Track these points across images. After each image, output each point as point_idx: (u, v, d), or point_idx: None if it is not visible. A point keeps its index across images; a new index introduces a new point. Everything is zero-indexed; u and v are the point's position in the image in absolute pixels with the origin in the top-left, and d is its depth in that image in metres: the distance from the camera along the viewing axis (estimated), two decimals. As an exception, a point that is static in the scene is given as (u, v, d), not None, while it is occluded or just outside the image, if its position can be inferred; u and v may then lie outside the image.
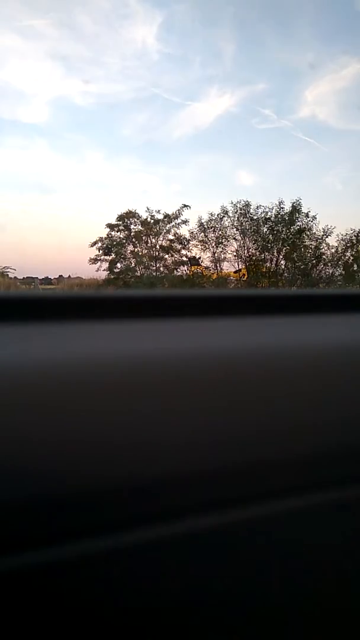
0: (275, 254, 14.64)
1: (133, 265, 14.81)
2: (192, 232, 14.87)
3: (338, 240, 14.34)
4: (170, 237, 14.84)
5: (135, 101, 19.48)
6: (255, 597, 0.36)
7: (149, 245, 14.88)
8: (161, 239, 14.86)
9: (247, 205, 14.60)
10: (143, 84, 20.11)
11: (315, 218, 14.45)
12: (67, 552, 0.31)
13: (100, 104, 19.31)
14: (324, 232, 14.46)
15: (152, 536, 0.33)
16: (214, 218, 14.81)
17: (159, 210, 14.77)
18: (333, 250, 14.42)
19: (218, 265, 15.09)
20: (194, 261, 15.01)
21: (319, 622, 0.39)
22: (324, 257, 14.43)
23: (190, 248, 14.94)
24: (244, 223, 14.63)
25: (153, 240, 14.85)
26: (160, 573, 0.33)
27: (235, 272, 15.06)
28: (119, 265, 14.84)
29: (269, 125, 19.55)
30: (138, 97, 19.96)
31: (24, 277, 15.97)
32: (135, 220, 14.84)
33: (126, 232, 14.85)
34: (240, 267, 14.88)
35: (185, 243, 14.86)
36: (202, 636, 0.35)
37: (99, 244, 14.77)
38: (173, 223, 14.74)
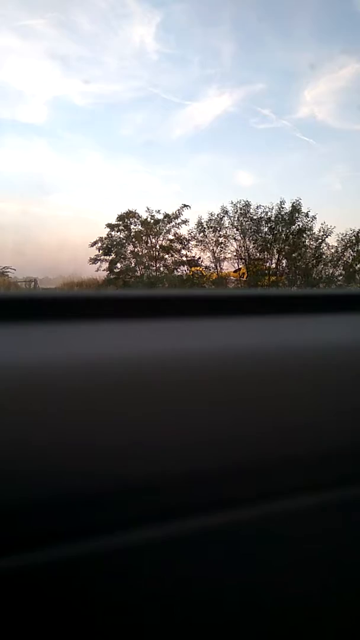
0: (275, 253, 14.66)
1: (133, 265, 14.81)
2: (191, 232, 14.89)
3: (338, 240, 14.37)
4: (170, 237, 14.86)
5: (134, 101, 19.49)
6: (256, 597, 0.36)
7: (149, 245, 14.89)
8: (161, 239, 14.86)
9: (247, 205, 14.62)
10: (142, 84, 20.13)
11: (315, 218, 14.48)
12: (67, 552, 0.31)
13: (99, 103, 19.35)
14: (324, 232, 14.49)
15: (152, 536, 0.33)
16: (213, 218, 14.83)
17: (159, 210, 14.78)
18: (333, 250, 14.45)
19: (218, 265, 15.11)
20: (194, 262, 15.02)
21: (320, 621, 0.39)
22: (324, 257, 14.44)
23: (190, 248, 14.97)
24: (243, 223, 14.64)
25: (153, 240, 14.86)
26: (161, 573, 0.33)
27: (235, 271, 15.07)
28: (119, 265, 14.84)
29: (267, 125, 19.56)
30: (137, 97, 19.99)
31: (24, 277, 15.95)
32: (135, 220, 14.84)
33: (126, 232, 14.85)
34: (240, 266, 14.90)
35: (185, 243, 14.87)
36: (203, 636, 0.35)
37: (99, 244, 14.78)
38: (173, 223, 14.75)
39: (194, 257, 15.02)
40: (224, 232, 14.76)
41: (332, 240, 15.37)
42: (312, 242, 14.53)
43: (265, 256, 14.66)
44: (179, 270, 15.00)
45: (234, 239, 14.87)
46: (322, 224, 14.51)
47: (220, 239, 14.78)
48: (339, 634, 0.40)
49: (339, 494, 0.39)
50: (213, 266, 15.09)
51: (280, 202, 14.34)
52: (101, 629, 0.32)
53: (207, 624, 0.35)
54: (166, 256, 14.86)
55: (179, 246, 14.83)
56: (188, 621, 0.34)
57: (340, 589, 0.40)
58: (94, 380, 0.33)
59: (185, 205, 14.67)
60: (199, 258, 15.14)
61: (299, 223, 14.45)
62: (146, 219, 14.78)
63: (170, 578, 0.33)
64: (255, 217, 14.58)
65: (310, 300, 0.49)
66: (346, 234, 14.30)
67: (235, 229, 14.76)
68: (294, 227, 14.37)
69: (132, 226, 14.85)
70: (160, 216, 14.75)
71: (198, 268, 14.93)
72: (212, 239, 14.86)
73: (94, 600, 0.31)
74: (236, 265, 15.08)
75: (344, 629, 0.40)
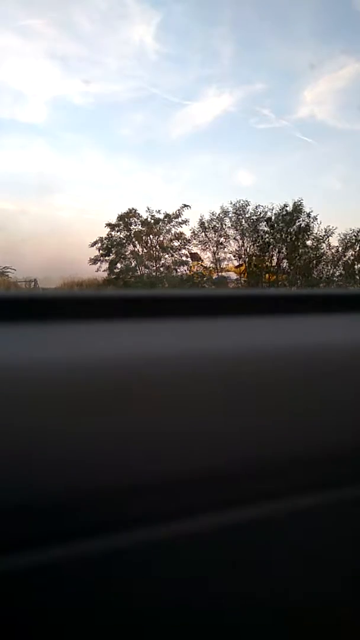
0: (275, 254, 14.68)
1: (133, 265, 14.80)
2: (193, 231, 14.91)
3: (339, 240, 14.40)
4: (171, 237, 14.86)
5: (134, 101, 19.54)
6: (256, 597, 0.36)
7: (149, 245, 14.88)
8: (161, 238, 14.86)
9: (247, 205, 14.64)
10: (141, 84, 20.14)
11: (316, 218, 14.50)
12: (67, 552, 0.31)
13: (99, 103, 19.37)
14: (325, 232, 14.51)
15: (152, 536, 0.33)
16: (214, 218, 14.86)
17: (159, 210, 14.78)
18: (333, 250, 14.48)
19: (218, 264, 15.13)
20: (196, 257, 15.02)
21: (320, 622, 0.39)
22: (324, 257, 14.46)
23: (190, 248, 14.98)
24: (243, 223, 14.66)
25: (153, 240, 14.85)
26: (161, 573, 0.33)
27: (236, 266, 15.10)
28: (119, 265, 14.83)
29: (267, 125, 19.63)
30: (136, 97, 20.02)
31: (24, 277, 15.92)
32: (136, 220, 14.84)
33: (126, 232, 14.84)
34: (240, 262, 14.95)
35: (186, 243, 14.88)
36: (203, 636, 0.35)
37: (99, 244, 14.77)
38: (173, 223, 14.75)
39: (195, 252, 15.05)
40: (225, 232, 14.80)
41: (333, 240, 15.39)
42: (313, 243, 14.56)
43: (266, 256, 14.68)
44: (179, 270, 15.01)
45: (234, 239, 14.91)
46: (319, 223, 14.56)
47: (221, 239, 14.82)
48: (339, 634, 0.40)
49: (339, 494, 0.39)
50: (213, 266, 15.13)
51: (284, 204, 14.38)
52: (101, 629, 0.32)
53: (207, 624, 0.35)
54: (166, 256, 14.87)
55: (179, 246, 14.85)
56: (189, 621, 0.34)
57: (341, 589, 0.40)
58: (94, 381, 0.33)
59: (185, 205, 14.69)
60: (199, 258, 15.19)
61: (300, 223, 14.47)
62: (146, 219, 14.78)
63: (170, 578, 0.33)
64: (255, 217, 14.62)
65: (310, 300, 0.49)
66: (347, 234, 14.35)
67: (235, 229, 14.80)
68: (295, 227, 14.39)
69: (132, 226, 14.85)
70: (160, 216, 14.76)
71: (200, 263, 14.95)
72: (213, 239, 14.90)
73: (93, 601, 0.31)
74: (236, 264, 15.14)
75: (344, 629, 0.40)
